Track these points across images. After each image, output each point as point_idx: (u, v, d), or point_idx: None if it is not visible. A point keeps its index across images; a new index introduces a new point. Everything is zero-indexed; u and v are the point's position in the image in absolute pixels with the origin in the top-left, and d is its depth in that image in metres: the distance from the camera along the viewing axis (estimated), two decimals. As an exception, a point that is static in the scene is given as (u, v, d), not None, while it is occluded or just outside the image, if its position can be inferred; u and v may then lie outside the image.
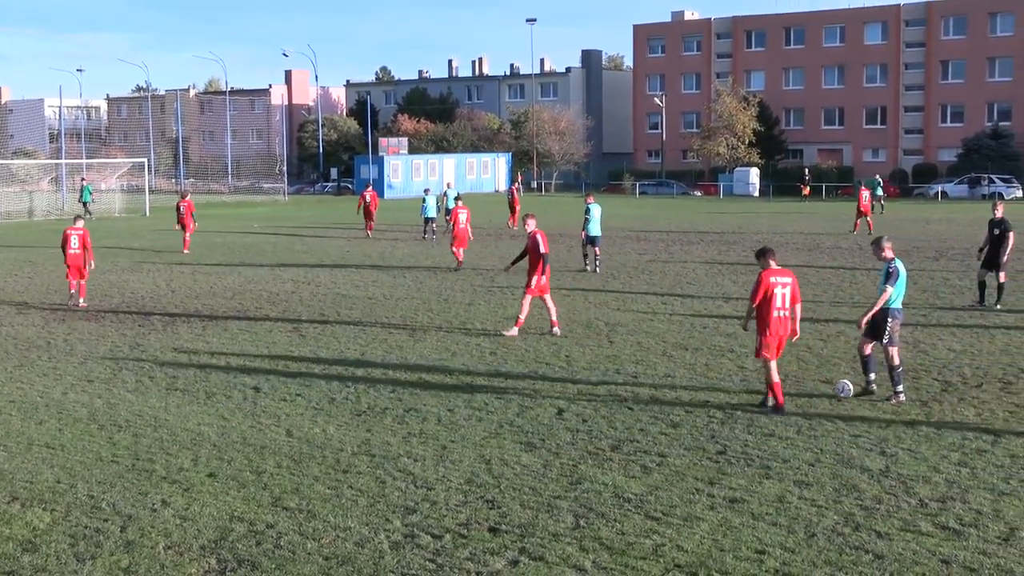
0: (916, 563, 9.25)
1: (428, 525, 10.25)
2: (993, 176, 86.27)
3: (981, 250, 25.21)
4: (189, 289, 28.59)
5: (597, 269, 31.76)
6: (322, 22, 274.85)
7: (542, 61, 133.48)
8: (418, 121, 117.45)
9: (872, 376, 15.49)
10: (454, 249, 33.34)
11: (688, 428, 13.77)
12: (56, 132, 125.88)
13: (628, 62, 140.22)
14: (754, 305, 14.52)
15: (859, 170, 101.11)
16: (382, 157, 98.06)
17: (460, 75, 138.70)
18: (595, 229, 31.97)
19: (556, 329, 20.84)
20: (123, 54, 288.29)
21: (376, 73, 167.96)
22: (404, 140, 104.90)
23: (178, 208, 40.94)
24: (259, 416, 14.60)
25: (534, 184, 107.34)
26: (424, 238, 44.36)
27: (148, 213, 67.80)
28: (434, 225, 44.90)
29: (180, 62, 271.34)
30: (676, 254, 37.73)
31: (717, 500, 10.92)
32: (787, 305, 14.46)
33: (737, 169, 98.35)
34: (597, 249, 32.12)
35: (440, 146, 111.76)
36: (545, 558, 9.42)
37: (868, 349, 15.48)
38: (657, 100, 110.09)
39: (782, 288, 14.44)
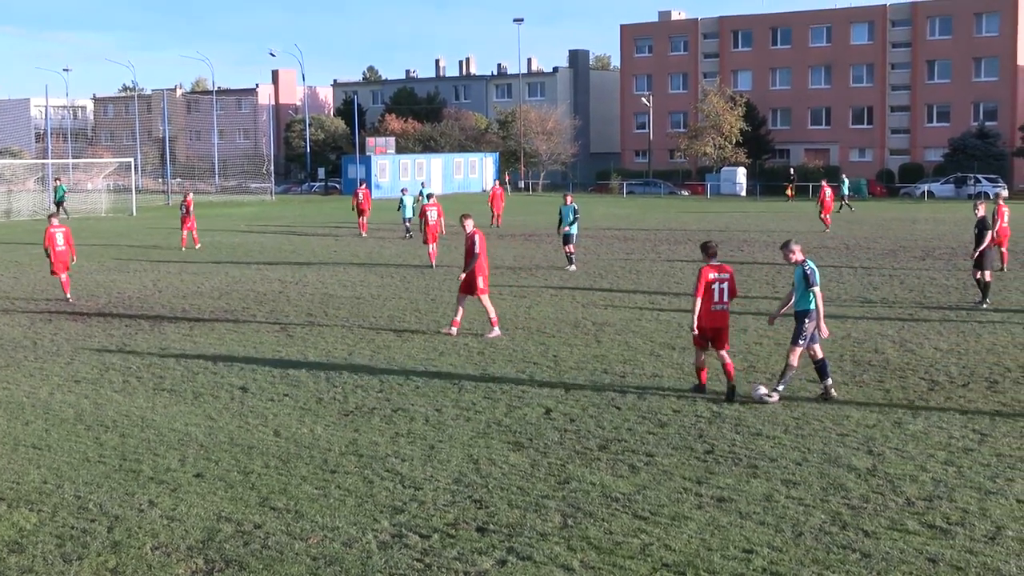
0: (903, 562, 9.27)
1: (416, 525, 10.25)
2: (979, 176, 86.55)
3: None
4: (176, 289, 28.53)
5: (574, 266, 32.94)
6: (309, 21, 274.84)
7: (529, 61, 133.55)
8: (405, 121, 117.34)
9: (829, 381, 15.39)
10: (429, 248, 33.78)
11: (676, 427, 13.78)
12: (42, 132, 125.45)
13: (615, 62, 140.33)
14: (698, 298, 15.13)
15: (846, 170, 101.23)
16: (369, 157, 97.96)
17: (447, 75, 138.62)
18: (575, 228, 33.37)
19: (454, 330, 20.81)
20: (109, 54, 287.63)
21: (363, 73, 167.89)
22: (391, 140, 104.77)
23: (181, 206, 42.39)
24: (246, 416, 14.57)
25: (521, 184, 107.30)
26: (407, 237, 44.80)
27: (135, 213, 67.66)
28: (409, 223, 45.55)
29: (166, 61, 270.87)
30: (663, 253, 37.78)
31: (705, 499, 10.94)
32: (725, 299, 15.30)
33: (724, 169, 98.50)
34: (571, 247, 33.32)
35: (427, 146, 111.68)
36: (533, 558, 9.42)
37: (819, 353, 15.36)
38: (644, 100, 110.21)
39: (719, 283, 15.25)
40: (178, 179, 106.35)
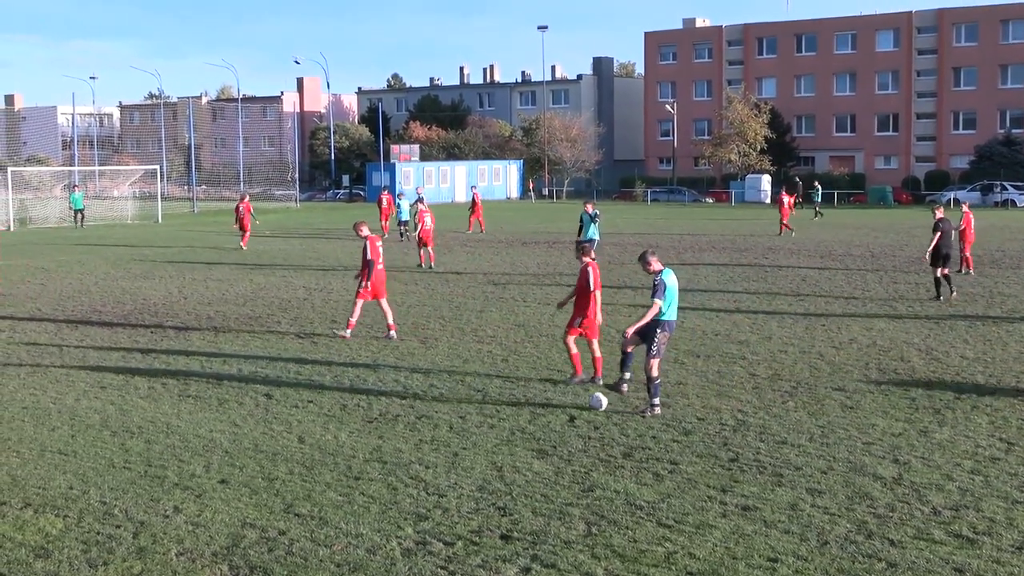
0: (929, 571, 9.21)
1: (440, 532, 10.25)
2: (1005, 183, 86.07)
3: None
4: (201, 296, 28.64)
5: None
6: (333, 29, 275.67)
7: (553, 68, 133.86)
8: (429, 128, 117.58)
9: (627, 375, 15.47)
10: (421, 251, 35.81)
11: (700, 435, 13.74)
12: (69, 139, 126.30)
13: (639, 69, 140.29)
14: (598, 291, 16.70)
15: (871, 177, 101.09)
16: (394, 164, 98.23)
17: (471, 82, 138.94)
18: (595, 233, 34.04)
19: (393, 333, 21.37)
20: (135, 61, 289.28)
21: (388, 80, 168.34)
22: (415, 147, 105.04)
23: (237, 209, 45.58)
24: (271, 423, 14.61)
25: (545, 191, 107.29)
26: (401, 240, 46.51)
27: (160, 220, 67.98)
28: (405, 227, 47.55)
29: (192, 69, 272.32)
30: (688, 260, 37.68)
31: (729, 507, 10.90)
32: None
33: (748, 176, 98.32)
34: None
35: (451, 153, 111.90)
36: (557, 565, 9.41)
37: (631, 348, 15.30)
38: (668, 107, 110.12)
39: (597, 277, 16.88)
40: (203, 186, 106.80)
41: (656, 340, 14.78)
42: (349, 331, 21.38)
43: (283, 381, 17.35)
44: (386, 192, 53.73)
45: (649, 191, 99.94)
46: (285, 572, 9.31)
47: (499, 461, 12.62)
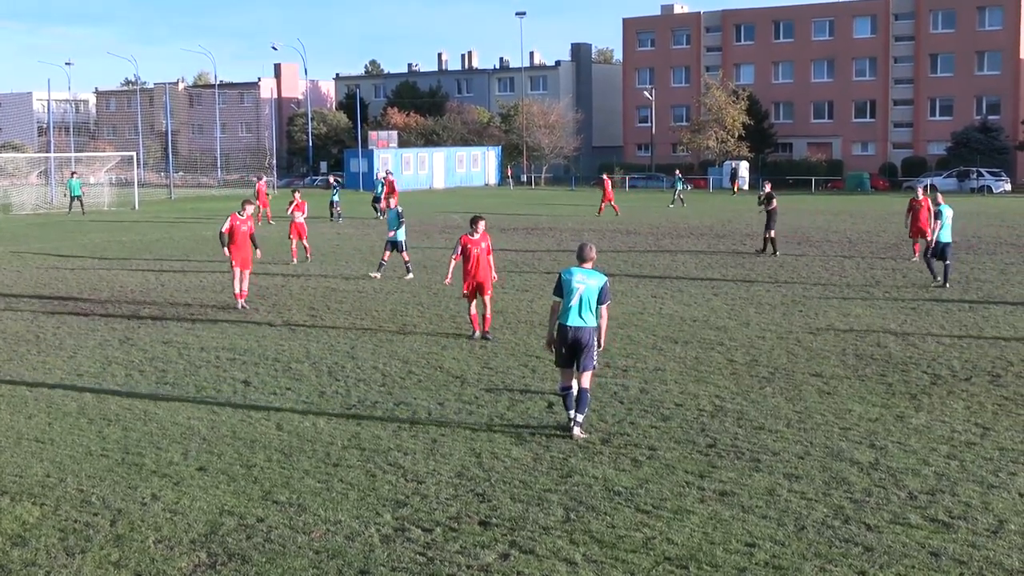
0: (905, 555, 9.27)
1: (419, 518, 10.25)
2: (982, 169, 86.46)
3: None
4: (178, 283, 28.54)
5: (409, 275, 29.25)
6: (311, 15, 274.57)
7: (532, 55, 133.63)
8: (408, 114, 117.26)
9: (572, 413, 13.11)
10: (294, 244, 34.35)
11: (678, 421, 13.78)
12: (45, 126, 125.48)
13: (618, 55, 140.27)
14: (455, 260, 19.88)
15: (848, 163, 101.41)
16: (371, 151, 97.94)
17: (450, 68, 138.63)
18: (401, 235, 29.30)
19: (242, 302, 23.88)
20: (111, 48, 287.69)
21: (365, 66, 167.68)
22: (394, 133, 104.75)
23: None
24: (249, 410, 14.58)
25: (524, 178, 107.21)
26: (331, 220, 50.88)
27: (137, 207, 67.63)
28: (339, 208, 52.70)
29: (169, 56, 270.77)
30: (666, 247, 37.75)
31: (707, 493, 10.94)
32: (483, 263, 19.55)
33: (726, 163, 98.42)
34: (405, 255, 29.54)
35: (430, 139, 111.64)
36: (535, 551, 9.43)
37: (571, 381, 13.16)
38: (647, 94, 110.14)
39: (476, 249, 19.48)
40: (181, 173, 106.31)
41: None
42: (241, 301, 23.78)
43: (261, 368, 17.32)
44: (390, 176, 55.86)
45: (627, 177, 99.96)
46: (264, 559, 9.30)
47: (478, 447, 12.63)
